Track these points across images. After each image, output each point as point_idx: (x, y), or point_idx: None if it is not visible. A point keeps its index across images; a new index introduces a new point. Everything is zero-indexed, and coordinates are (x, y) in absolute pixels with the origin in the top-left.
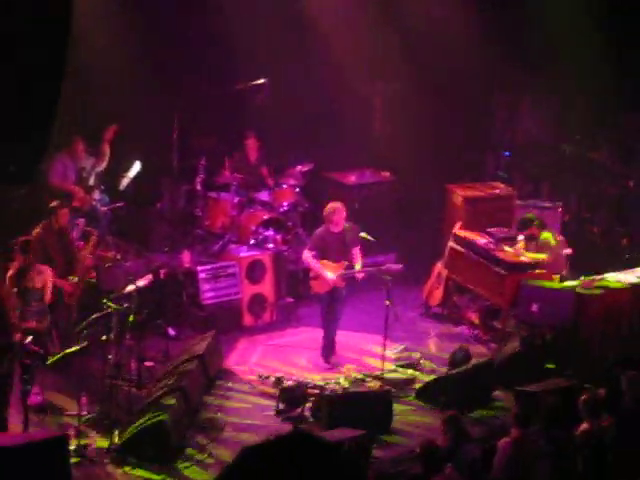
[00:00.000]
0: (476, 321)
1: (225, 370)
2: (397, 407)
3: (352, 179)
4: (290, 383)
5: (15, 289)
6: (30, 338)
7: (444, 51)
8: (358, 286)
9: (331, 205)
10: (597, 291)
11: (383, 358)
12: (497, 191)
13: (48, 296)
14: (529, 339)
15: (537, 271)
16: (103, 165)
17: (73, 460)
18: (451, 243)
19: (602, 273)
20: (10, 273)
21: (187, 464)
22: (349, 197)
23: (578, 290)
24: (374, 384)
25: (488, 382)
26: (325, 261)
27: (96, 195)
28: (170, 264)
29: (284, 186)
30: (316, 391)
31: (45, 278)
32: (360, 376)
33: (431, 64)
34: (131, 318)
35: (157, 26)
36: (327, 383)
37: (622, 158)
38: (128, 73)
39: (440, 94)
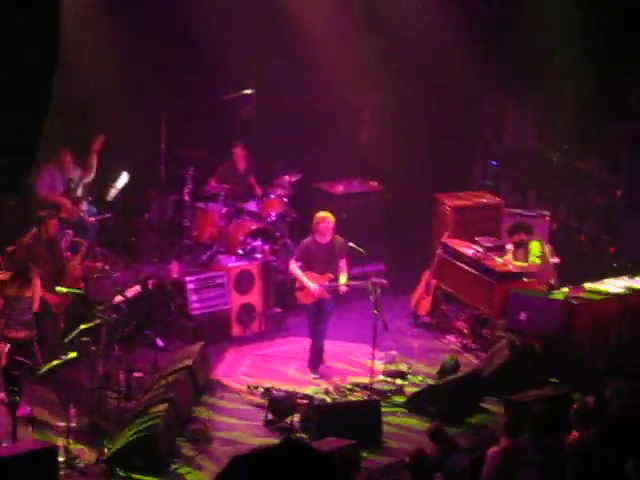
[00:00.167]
0: (465, 330)
1: (214, 380)
2: (386, 417)
3: (340, 189)
4: (279, 393)
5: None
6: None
7: (431, 62)
8: (346, 295)
9: (318, 215)
10: (585, 300)
11: (372, 368)
12: (485, 200)
13: (36, 305)
14: (518, 348)
15: (525, 280)
16: (91, 176)
17: (62, 471)
18: (439, 252)
19: (590, 282)
20: None
21: (176, 474)
22: (337, 207)
23: (566, 299)
24: (363, 394)
25: (477, 391)
26: (310, 272)
27: (84, 206)
28: (158, 275)
29: (272, 196)
30: (305, 401)
31: (34, 287)
32: (349, 386)
33: (419, 75)
34: (119, 330)
35: (144, 38)
36: (316, 393)
37: (609, 167)
38: (116, 84)
39: (427, 104)
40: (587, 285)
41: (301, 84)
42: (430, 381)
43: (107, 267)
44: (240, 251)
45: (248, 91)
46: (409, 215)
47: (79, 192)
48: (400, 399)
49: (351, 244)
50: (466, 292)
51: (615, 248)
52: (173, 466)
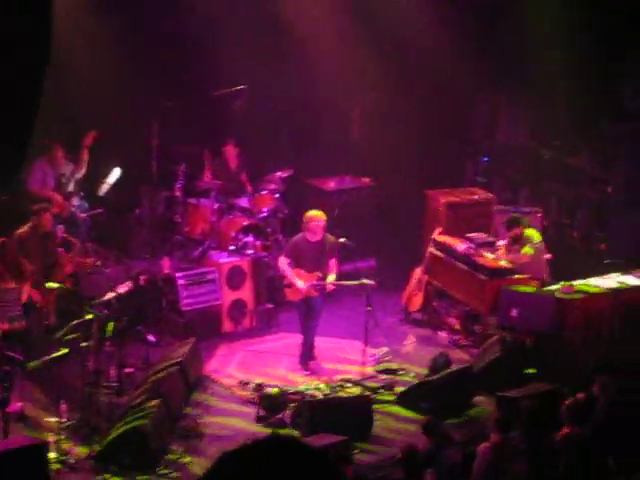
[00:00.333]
0: (456, 326)
1: (205, 376)
2: (377, 413)
3: (332, 185)
4: (270, 389)
5: None
6: None
7: (424, 60)
8: (336, 292)
9: (309, 214)
10: (577, 296)
11: (363, 364)
12: (476, 197)
13: (24, 296)
14: (509, 344)
15: (517, 276)
16: (82, 171)
17: (52, 467)
18: (431, 248)
19: (581, 278)
20: None
21: (167, 470)
22: (329, 203)
23: (558, 295)
24: (354, 390)
25: (469, 387)
26: (299, 270)
27: (75, 201)
28: (150, 270)
29: (264, 192)
30: (297, 397)
31: (23, 279)
32: (340, 382)
33: (409, 71)
34: (111, 326)
35: (136, 33)
36: (307, 389)
37: (601, 163)
38: (107, 79)
39: (419, 100)
40: (579, 282)
41: (293, 81)
42: (421, 377)
43: (99, 263)
44: (232, 247)
45: (240, 86)
46: (401, 211)
47: (70, 187)
48: (391, 395)
49: (342, 239)
50: (457, 288)
51: (607, 244)
52: (161, 468)
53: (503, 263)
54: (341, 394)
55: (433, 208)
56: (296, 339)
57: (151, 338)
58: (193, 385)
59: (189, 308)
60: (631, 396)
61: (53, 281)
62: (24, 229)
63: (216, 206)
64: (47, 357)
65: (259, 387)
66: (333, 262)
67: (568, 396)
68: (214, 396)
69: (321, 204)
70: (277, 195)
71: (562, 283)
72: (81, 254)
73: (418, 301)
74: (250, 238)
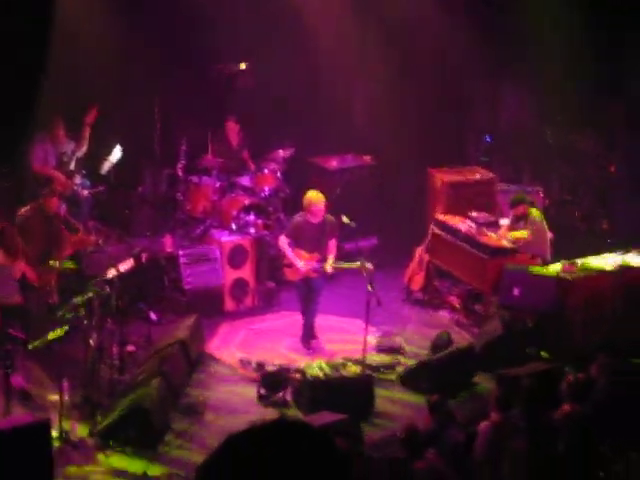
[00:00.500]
0: (457, 306)
1: (207, 354)
2: (379, 392)
3: (334, 164)
4: (272, 368)
5: None
6: None
7: (425, 36)
8: (337, 272)
9: (309, 196)
10: (579, 274)
11: (365, 343)
12: (478, 176)
13: (17, 273)
14: (511, 324)
15: (519, 255)
16: (84, 149)
17: (55, 445)
18: (432, 228)
19: (583, 257)
20: None
21: (169, 448)
22: (331, 182)
23: (560, 274)
24: (356, 369)
25: (470, 367)
26: (299, 250)
27: (77, 179)
28: (152, 248)
29: (265, 171)
30: (298, 376)
31: (14, 256)
32: (342, 361)
33: (413, 49)
34: (112, 304)
35: (139, 9)
36: (308, 368)
37: (605, 143)
38: (109, 56)
39: (422, 78)
40: (580, 261)
41: (295, 59)
42: (423, 356)
43: (101, 241)
44: (233, 226)
45: (243, 64)
46: (402, 190)
47: (72, 165)
48: (393, 374)
49: (344, 218)
50: (459, 268)
51: (609, 224)
52: (163, 446)
53: (505, 242)
54: (343, 373)
55: (435, 187)
56: (297, 318)
57: (153, 316)
58: (195, 362)
59: (191, 286)
60: (632, 377)
61: (55, 260)
62: (27, 209)
63: (218, 185)
64: (49, 336)
65: (260, 365)
66: (333, 243)
67: (568, 374)
68: (216, 374)
69: (323, 183)
70: (279, 174)
71: (563, 261)
72: (83, 233)
73: (420, 280)
74: (252, 217)
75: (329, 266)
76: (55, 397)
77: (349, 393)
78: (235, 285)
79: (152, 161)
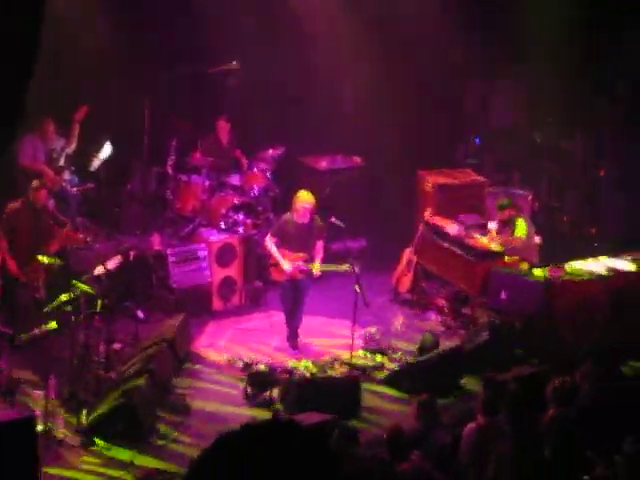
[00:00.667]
0: (445, 308)
1: (194, 353)
2: (365, 392)
3: (323, 164)
4: (259, 367)
5: None
6: None
7: (415, 37)
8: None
9: (297, 196)
10: (567, 277)
11: (352, 343)
12: (468, 178)
13: None
14: (498, 327)
15: (507, 259)
16: (73, 146)
17: (40, 441)
18: (421, 229)
19: (570, 261)
20: None
21: (155, 444)
22: (320, 182)
23: (547, 278)
24: (342, 369)
25: (457, 369)
26: (284, 250)
27: (66, 176)
28: (140, 246)
29: (255, 170)
30: (285, 375)
31: None
32: (329, 361)
33: (402, 50)
34: (99, 301)
35: (129, 7)
36: (295, 367)
37: (593, 147)
38: (99, 54)
39: (411, 80)
40: (568, 265)
41: (285, 58)
42: (410, 358)
43: (89, 239)
44: (222, 224)
45: (234, 63)
46: (392, 191)
47: (61, 162)
48: (380, 375)
49: (332, 219)
50: (447, 270)
51: (597, 228)
52: (150, 442)
53: (494, 246)
54: (330, 373)
55: (424, 189)
56: (285, 317)
57: (140, 314)
58: (182, 360)
59: (179, 285)
60: (620, 382)
61: (43, 255)
62: (16, 203)
63: (207, 183)
64: (36, 331)
65: (247, 365)
66: (320, 245)
67: (554, 378)
68: (202, 373)
69: (312, 183)
70: (268, 173)
71: (551, 265)
72: (71, 230)
73: (407, 282)
74: (241, 216)
75: (316, 270)
76: (41, 393)
77: (336, 393)
78: (223, 284)
79: (141, 159)
